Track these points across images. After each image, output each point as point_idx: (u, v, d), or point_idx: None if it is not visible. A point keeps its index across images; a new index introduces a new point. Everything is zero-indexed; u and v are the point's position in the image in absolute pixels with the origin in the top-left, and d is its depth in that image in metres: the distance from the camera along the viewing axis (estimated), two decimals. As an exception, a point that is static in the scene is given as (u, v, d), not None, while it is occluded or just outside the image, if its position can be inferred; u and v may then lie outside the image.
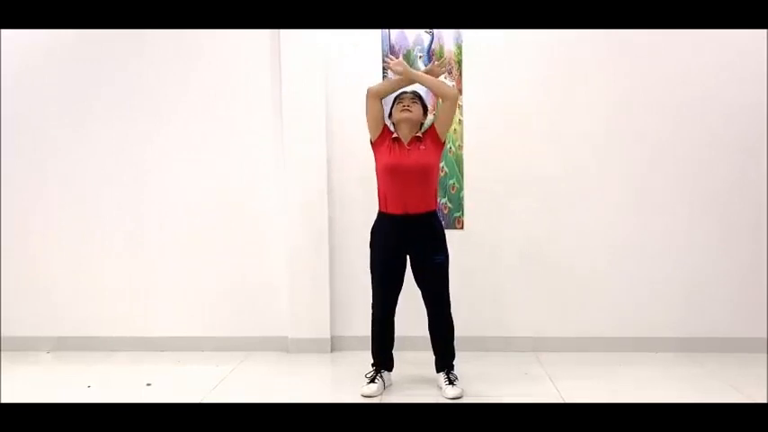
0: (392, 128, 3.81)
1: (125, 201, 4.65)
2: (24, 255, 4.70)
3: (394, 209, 3.67)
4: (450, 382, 3.68)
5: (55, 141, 4.65)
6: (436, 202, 3.79)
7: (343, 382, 3.95)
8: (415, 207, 3.65)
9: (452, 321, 3.77)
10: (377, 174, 3.77)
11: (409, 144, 3.70)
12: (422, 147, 3.69)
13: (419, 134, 3.73)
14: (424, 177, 3.67)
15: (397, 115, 3.74)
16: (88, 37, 4.53)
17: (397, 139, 3.72)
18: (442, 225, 3.79)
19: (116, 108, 4.62)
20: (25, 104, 4.66)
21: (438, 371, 3.79)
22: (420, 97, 3.82)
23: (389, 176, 3.68)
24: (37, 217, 4.69)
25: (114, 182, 4.65)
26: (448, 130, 3.85)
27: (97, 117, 4.63)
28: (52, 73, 4.64)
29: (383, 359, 3.84)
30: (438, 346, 3.80)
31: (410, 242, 3.69)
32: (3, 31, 4.56)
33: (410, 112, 3.70)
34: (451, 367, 3.77)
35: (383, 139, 3.75)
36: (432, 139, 3.73)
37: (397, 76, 3.81)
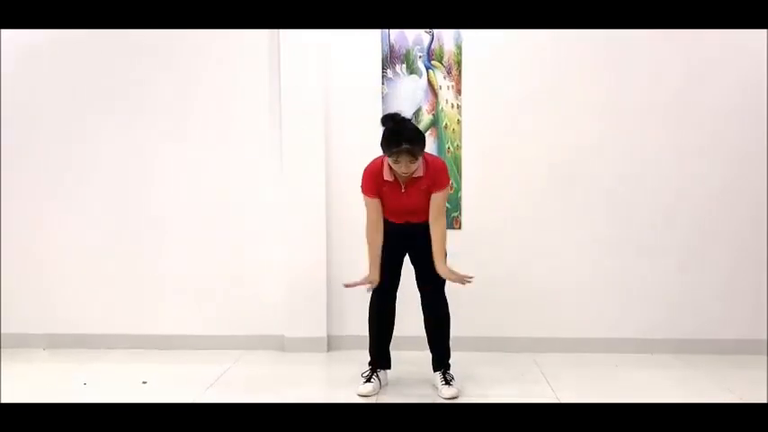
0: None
1: (121, 199, 4.63)
2: (21, 252, 4.67)
3: (395, 219, 3.68)
4: (447, 382, 3.68)
5: (52, 140, 4.63)
6: None
7: (340, 381, 3.94)
8: (418, 219, 3.65)
9: (449, 318, 3.76)
10: None
11: (406, 185, 3.56)
12: (423, 187, 3.56)
13: (420, 174, 3.52)
14: (424, 209, 3.62)
15: (394, 167, 3.46)
16: (86, 37, 4.50)
17: (392, 183, 3.57)
18: None
19: (114, 107, 4.60)
20: (24, 103, 4.64)
21: (435, 370, 3.78)
22: (420, 146, 3.41)
23: (390, 213, 3.66)
24: (34, 214, 4.66)
25: (111, 180, 4.63)
26: None
27: (95, 117, 4.61)
28: (51, 72, 4.62)
29: (380, 356, 3.83)
30: (433, 343, 3.78)
31: (411, 242, 3.69)
32: (3, 31, 4.55)
33: (408, 169, 3.44)
34: (448, 366, 3.77)
35: (379, 187, 3.59)
36: (435, 188, 3.57)
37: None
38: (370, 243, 3.67)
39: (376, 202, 3.62)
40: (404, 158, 3.38)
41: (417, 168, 3.49)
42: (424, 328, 3.79)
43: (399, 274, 3.79)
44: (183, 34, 4.47)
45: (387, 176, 3.55)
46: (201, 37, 4.49)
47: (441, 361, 3.77)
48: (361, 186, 3.64)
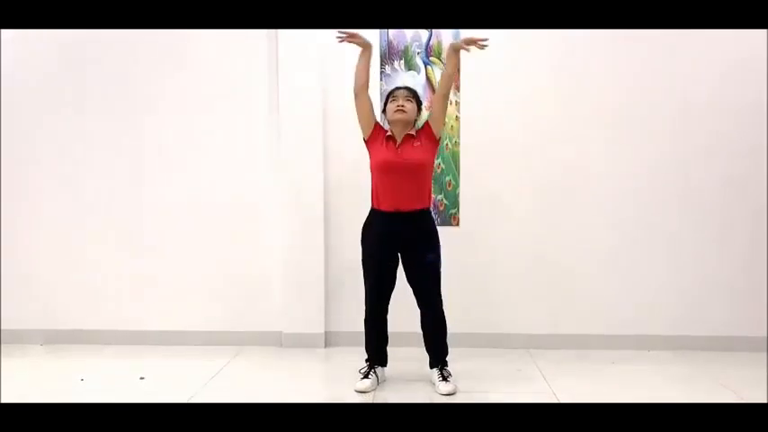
0: (386, 125, 3.79)
1: (119, 196, 4.63)
2: (18, 249, 4.67)
3: (386, 206, 3.66)
4: (444, 378, 3.68)
5: (49, 138, 4.63)
6: (430, 200, 3.76)
7: (337, 377, 3.95)
8: (408, 204, 3.64)
9: (444, 319, 3.76)
10: (371, 171, 3.76)
11: (402, 142, 3.68)
12: (416, 144, 3.68)
13: (413, 132, 3.72)
14: (416, 175, 3.66)
15: (390, 115, 3.73)
16: (86, 37, 4.50)
17: (390, 137, 3.71)
18: (434, 223, 3.77)
19: (113, 105, 4.61)
20: (21, 102, 4.63)
21: (431, 367, 3.78)
22: (415, 94, 3.80)
23: (382, 174, 3.68)
24: (31, 211, 4.66)
25: (109, 177, 4.63)
26: (442, 127, 3.81)
27: (94, 116, 4.61)
28: (50, 71, 4.61)
29: (377, 355, 3.84)
30: (430, 344, 3.79)
31: (401, 240, 3.67)
32: (3, 31, 4.54)
33: (404, 112, 3.68)
34: (445, 363, 3.77)
35: (376, 137, 3.74)
36: (427, 136, 3.72)
37: (360, 51, 3.75)
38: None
39: (371, 104, 3.81)
40: (400, 93, 3.74)
41: (410, 124, 3.71)
42: (421, 328, 3.79)
43: (394, 279, 3.77)
44: (182, 34, 4.47)
45: (388, 132, 3.75)
46: (201, 37, 4.49)
47: (438, 358, 3.77)
48: None
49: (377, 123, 3.78)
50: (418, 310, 3.78)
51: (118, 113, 4.60)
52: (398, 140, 3.69)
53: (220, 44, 4.52)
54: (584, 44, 4.41)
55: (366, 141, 3.78)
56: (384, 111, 3.81)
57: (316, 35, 4.39)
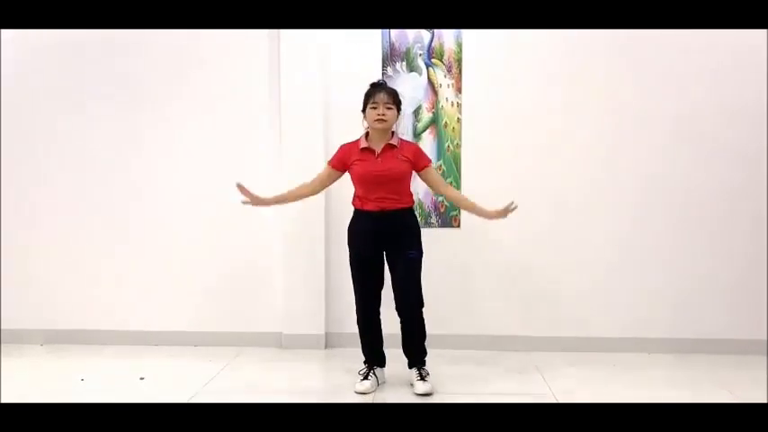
0: (364, 123, 3.73)
1: (119, 196, 4.64)
2: (18, 248, 4.68)
3: (371, 207, 3.66)
4: (422, 378, 3.67)
5: (49, 138, 4.64)
6: (411, 199, 3.75)
7: (337, 378, 3.94)
8: (391, 204, 3.64)
9: (423, 321, 3.73)
10: (352, 181, 3.74)
11: (381, 152, 3.64)
12: (399, 156, 3.64)
13: (394, 142, 3.67)
14: (398, 181, 3.66)
15: (370, 123, 3.65)
16: (86, 36, 4.50)
17: (366, 149, 3.66)
18: (417, 221, 3.77)
19: (113, 106, 4.61)
20: (21, 102, 4.64)
21: (410, 367, 3.77)
22: (395, 97, 3.68)
23: (363, 184, 3.67)
24: (31, 211, 4.67)
25: (109, 177, 4.63)
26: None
27: (94, 115, 4.62)
28: (50, 71, 4.62)
29: (374, 357, 3.83)
30: (409, 346, 3.77)
31: (387, 237, 3.66)
32: (3, 31, 4.55)
33: (384, 121, 3.60)
34: (423, 363, 3.76)
35: (349, 161, 3.70)
36: (414, 163, 3.68)
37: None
38: (292, 190, 3.84)
39: (329, 171, 3.77)
40: (381, 98, 3.60)
41: (392, 134, 3.68)
42: (400, 329, 3.75)
43: (382, 278, 3.76)
44: (184, 34, 4.47)
45: (362, 144, 3.68)
46: (202, 37, 4.49)
47: (417, 358, 3.76)
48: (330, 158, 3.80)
49: (333, 162, 3.76)
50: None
51: (118, 113, 4.61)
52: (378, 150, 3.65)
53: (221, 44, 4.52)
54: (585, 45, 4.40)
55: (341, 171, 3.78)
56: (363, 110, 3.68)
57: (317, 35, 4.40)
